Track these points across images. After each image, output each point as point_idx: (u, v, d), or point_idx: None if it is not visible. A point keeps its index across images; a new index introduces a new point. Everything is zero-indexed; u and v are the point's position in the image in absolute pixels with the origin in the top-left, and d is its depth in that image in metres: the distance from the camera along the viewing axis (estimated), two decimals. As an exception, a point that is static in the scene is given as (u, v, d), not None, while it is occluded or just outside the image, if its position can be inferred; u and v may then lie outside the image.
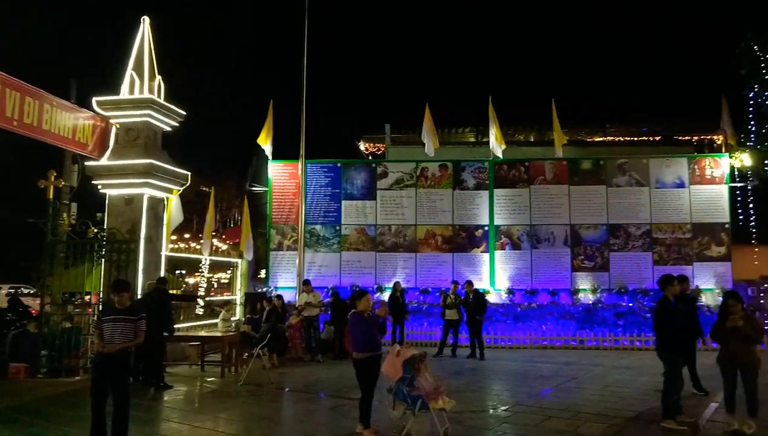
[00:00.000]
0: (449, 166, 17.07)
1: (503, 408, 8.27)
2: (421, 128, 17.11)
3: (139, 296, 10.79)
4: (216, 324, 13.47)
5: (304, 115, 15.86)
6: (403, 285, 15.25)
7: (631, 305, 15.35)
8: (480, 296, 13.77)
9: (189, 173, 12.87)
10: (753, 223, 15.95)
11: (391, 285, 14.97)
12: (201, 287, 18.49)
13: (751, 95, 15.92)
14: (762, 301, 15.30)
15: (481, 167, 16.96)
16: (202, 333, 12.70)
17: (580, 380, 10.47)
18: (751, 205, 16.00)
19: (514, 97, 39.13)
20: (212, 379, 10.88)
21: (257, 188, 17.43)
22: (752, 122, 16.00)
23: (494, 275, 16.33)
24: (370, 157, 23.45)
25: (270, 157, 16.80)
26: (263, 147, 16.54)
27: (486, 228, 16.64)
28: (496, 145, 16.53)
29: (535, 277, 16.20)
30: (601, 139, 22.78)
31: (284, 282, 16.27)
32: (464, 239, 16.67)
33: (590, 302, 15.58)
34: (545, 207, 16.61)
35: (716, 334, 6.88)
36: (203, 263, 16.26)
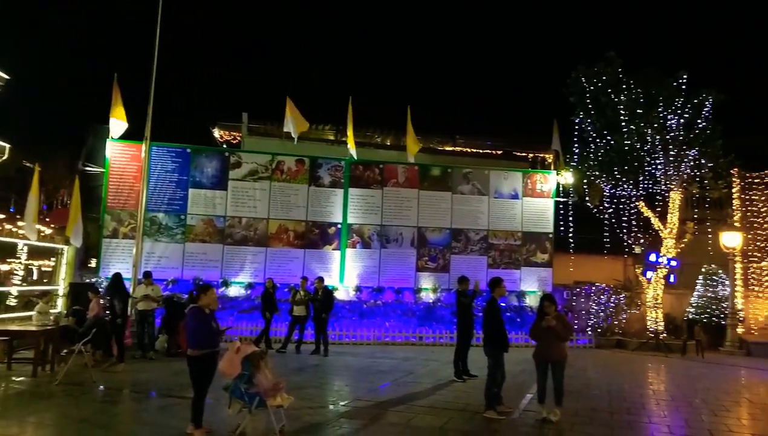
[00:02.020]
0: (306, 162, 16.97)
1: (342, 403, 8.39)
2: (282, 121, 16.71)
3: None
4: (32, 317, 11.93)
5: (152, 91, 14.55)
6: (251, 280, 14.84)
7: (467, 304, 16.47)
8: (329, 293, 13.87)
9: (7, 145, 11.27)
10: (571, 234, 18.02)
11: (240, 280, 14.47)
12: (16, 274, 16.28)
13: (577, 121, 18.01)
14: (574, 303, 17.36)
15: (338, 166, 17.11)
16: (12, 327, 11.16)
17: (417, 374, 11.00)
18: (570, 219, 18.06)
19: (376, 100, 40.17)
20: (22, 379, 9.61)
21: (92, 169, 15.78)
22: (576, 145, 18.11)
23: (344, 273, 16.56)
24: (225, 146, 22.47)
25: (113, 136, 15.25)
26: (115, 124, 14.90)
27: (339, 226, 16.82)
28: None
29: (382, 275, 16.73)
30: (450, 148, 24.16)
31: (118, 272, 14.95)
32: (317, 236, 16.69)
33: (431, 301, 16.49)
34: (396, 209, 17.23)
35: (534, 332, 7.64)
36: (20, 248, 14.32)
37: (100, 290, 12.05)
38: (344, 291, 16.22)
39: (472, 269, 17.02)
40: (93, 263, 17.13)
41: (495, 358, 7.76)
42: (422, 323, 15.98)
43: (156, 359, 11.81)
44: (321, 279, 14.00)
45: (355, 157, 16.88)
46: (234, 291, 15.76)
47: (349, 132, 16.75)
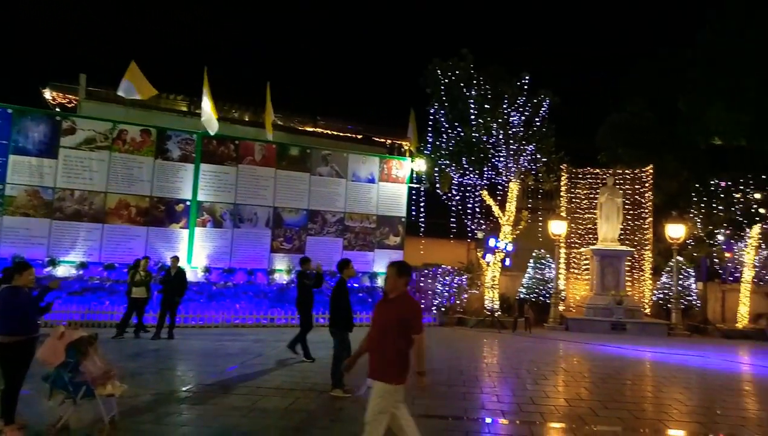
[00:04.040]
0: (153, 133, 15.77)
1: (184, 389, 7.99)
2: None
3: None
4: None
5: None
6: (84, 259, 13.49)
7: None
8: (183, 274, 13.07)
9: None
10: (422, 219, 18.91)
11: (71, 259, 13.06)
12: None
13: (432, 111, 18.86)
14: (422, 284, 18.29)
15: (189, 139, 16.15)
16: None
17: (267, 356, 10.84)
18: (422, 204, 18.95)
19: (235, 73, 38.43)
20: None
21: None
22: (430, 135, 18.97)
23: (192, 252, 15.75)
24: (58, 109, 20.08)
25: None
26: None
27: (188, 203, 15.93)
28: (209, 118, 15.82)
29: (234, 256, 16.20)
30: (311, 129, 24.03)
31: None
32: (162, 213, 15.65)
33: (285, 282, 16.33)
34: (251, 188, 16.74)
35: (380, 311, 7.87)
36: None
37: None
38: (192, 272, 15.43)
39: (327, 250, 17.18)
40: None
41: (341, 337, 7.89)
42: (275, 305, 15.77)
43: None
44: (176, 259, 13.13)
45: (212, 132, 15.97)
46: (63, 271, 14.24)
47: (211, 103, 15.74)
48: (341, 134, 24.62)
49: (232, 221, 16.35)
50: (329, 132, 24.56)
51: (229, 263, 16.10)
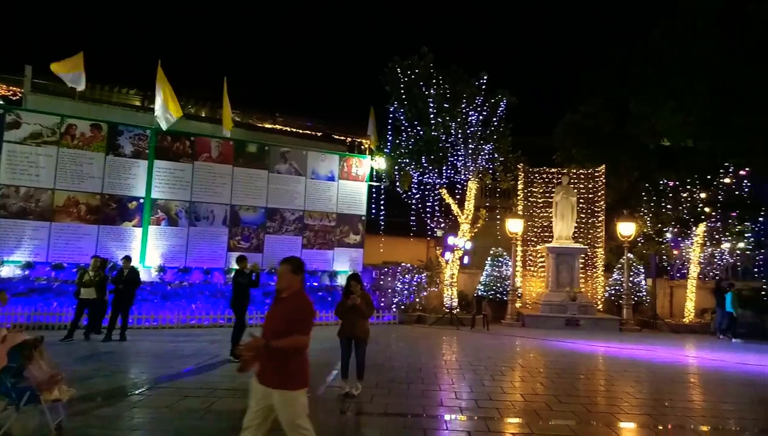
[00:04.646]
0: (103, 128, 15.25)
1: (137, 392, 7.75)
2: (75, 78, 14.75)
3: None
4: None
5: None
6: (30, 259, 12.94)
7: (279, 284, 16.41)
8: (136, 274, 12.67)
9: None
10: (382, 217, 18.94)
11: (16, 259, 12.49)
12: None
13: (391, 109, 18.89)
14: (382, 282, 18.33)
15: (142, 135, 15.68)
16: None
17: (223, 357, 10.63)
18: (382, 202, 18.97)
19: (190, 67, 37.53)
20: None
21: None
22: (390, 133, 19.01)
23: (145, 252, 15.31)
24: (0, 102, 19.14)
25: None
26: None
27: (141, 201, 15.47)
28: (165, 113, 15.40)
29: (190, 255, 15.84)
30: (270, 126, 23.68)
31: None
32: (114, 211, 15.16)
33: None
34: (208, 185, 16.39)
35: (339, 311, 7.84)
36: None
37: None
38: (146, 272, 14.99)
39: (286, 249, 17.00)
40: None
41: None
42: (232, 304, 15.45)
43: None
44: (128, 259, 12.70)
45: (165, 127, 15.55)
46: (8, 271, 13.61)
47: (169, 98, 15.30)
48: (301, 131, 24.34)
49: (188, 219, 15.97)
50: (288, 129, 24.26)
51: (185, 263, 15.72)
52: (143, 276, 14.78)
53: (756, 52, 17.00)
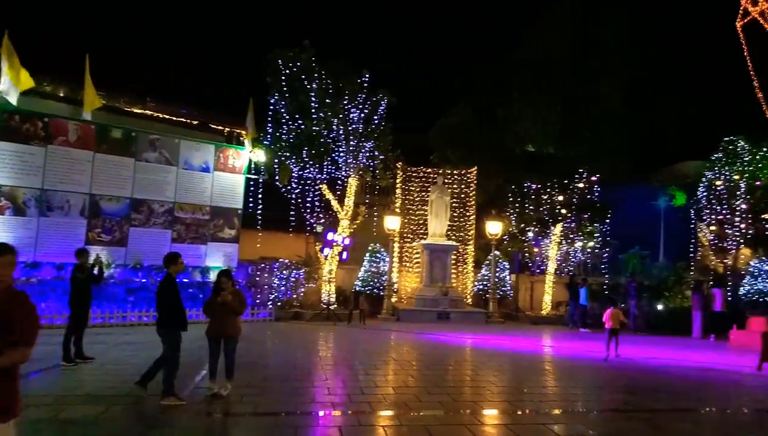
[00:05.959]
0: (-68, 101, 13.22)
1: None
2: None
3: None
4: None
5: None
6: None
7: (144, 280, 15.38)
8: None
9: None
10: (260, 211, 18.44)
11: None
12: None
13: (272, 101, 18.43)
14: (258, 278, 17.85)
15: (-17, 112, 13.83)
16: None
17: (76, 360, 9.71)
18: (260, 196, 18.45)
19: (48, 41, 33.74)
20: None
21: None
22: (270, 125, 18.54)
23: (-15, 244, 13.51)
24: None
25: None
26: None
27: (-19, 187, 13.64)
28: (11, 88, 13.70)
29: (40, 248, 14.29)
30: (140, 111, 22.07)
31: None
32: (-55, 197, 13.22)
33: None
34: (64, 172, 14.89)
35: (207, 309, 7.47)
36: None
37: None
38: (-15, 266, 13.23)
39: (154, 242, 15.98)
40: None
41: (171, 338, 7.19)
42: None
43: None
44: None
45: (14, 104, 13.84)
46: None
47: (18, 71, 13.60)
48: (174, 119, 22.95)
49: (39, 209, 14.37)
50: (161, 115, 22.76)
51: (34, 257, 14.15)
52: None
53: (600, 73, 19.01)
